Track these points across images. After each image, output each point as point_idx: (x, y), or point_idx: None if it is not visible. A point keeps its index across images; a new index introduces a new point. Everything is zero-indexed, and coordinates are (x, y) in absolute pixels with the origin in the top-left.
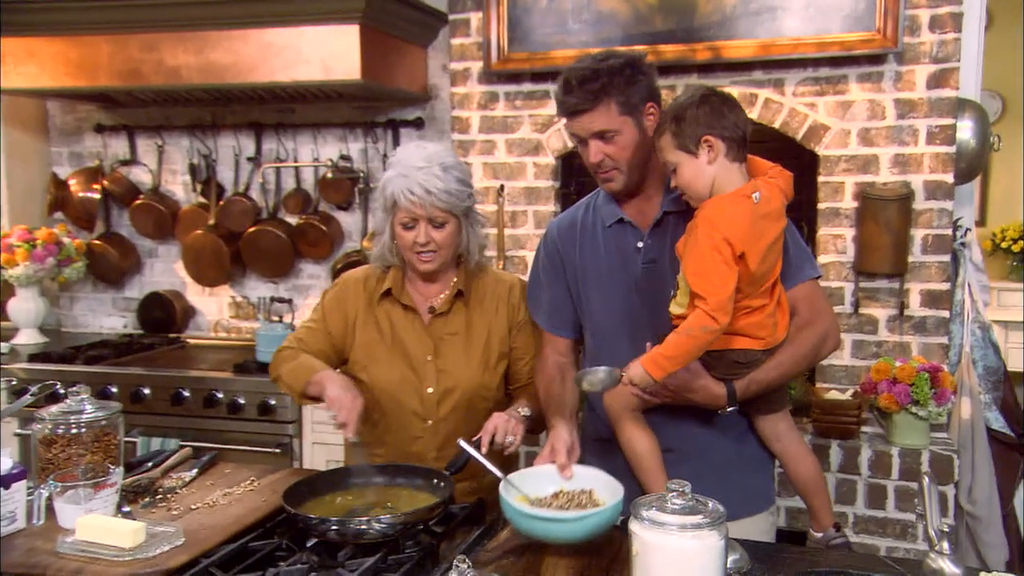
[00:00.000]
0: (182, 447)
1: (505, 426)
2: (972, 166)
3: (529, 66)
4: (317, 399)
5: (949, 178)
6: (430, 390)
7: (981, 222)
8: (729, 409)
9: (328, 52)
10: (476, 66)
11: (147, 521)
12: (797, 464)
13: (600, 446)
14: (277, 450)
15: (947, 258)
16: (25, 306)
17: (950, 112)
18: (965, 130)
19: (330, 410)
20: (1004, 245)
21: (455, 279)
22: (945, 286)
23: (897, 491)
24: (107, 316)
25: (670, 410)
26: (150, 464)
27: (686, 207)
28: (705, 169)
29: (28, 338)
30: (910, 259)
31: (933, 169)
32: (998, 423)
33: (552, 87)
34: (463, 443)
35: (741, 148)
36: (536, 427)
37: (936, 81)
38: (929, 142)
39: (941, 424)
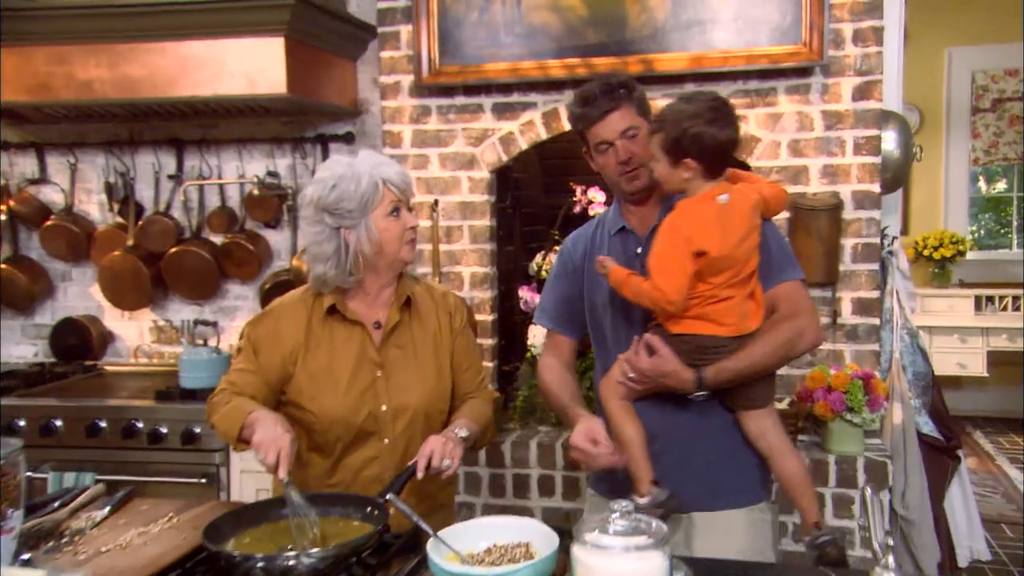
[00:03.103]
0: (98, 482)
1: (442, 449)
2: (897, 176)
3: (461, 79)
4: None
5: (876, 188)
6: (384, 408)
7: (904, 231)
8: (699, 394)
9: (252, 65)
10: (407, 79)
11: (48, 568)
12: (782, 461)
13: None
14: (203, 480)
15: (876, 266)
16: None
17: (875, 123)
18: (889, 141)
19: (257, 455)
20: (926, 253)
21: (397, 290)
22: (875, 294)
23: (835, 498)
24: (15, 344)
25: (657, 401)
26: (57, 504)
27: None
28: (679, 180)
29: None
30: (841, 268)
31: (860, 179)
32: (928, 427)
33: (486, 100)
34: (392, 497)
35: (721, 166)
36: (475, 446)
37: (861, 93)
38: (856, 153)
39: (875, 431)
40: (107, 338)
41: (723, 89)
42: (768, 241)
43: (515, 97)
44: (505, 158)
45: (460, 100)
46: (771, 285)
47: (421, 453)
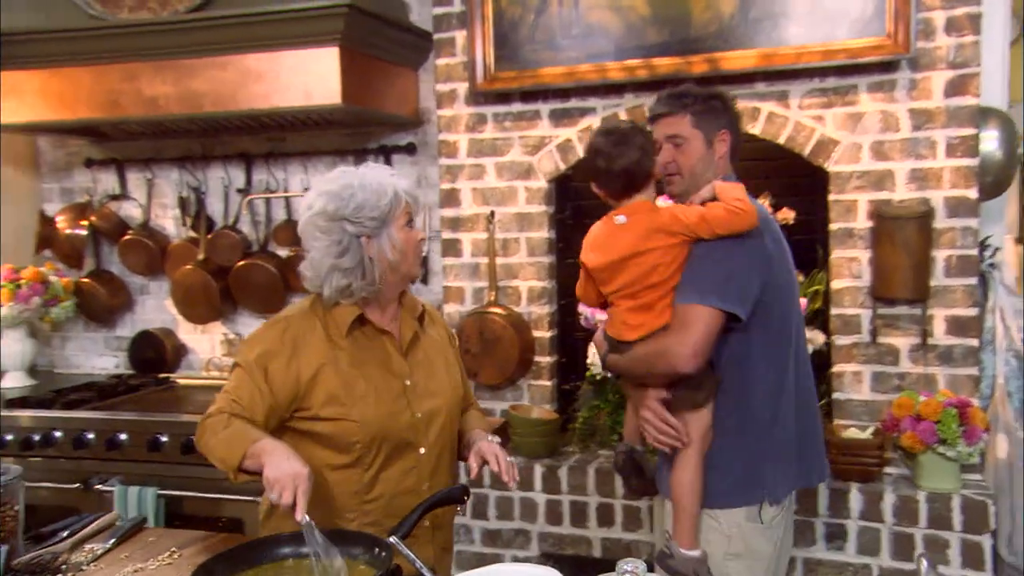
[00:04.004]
0: (160, 497)
1: (500, 450)
2: (1000, 180)
3: (518, 84)
4: (255, 473)
5: (973, 193)
6: (419, 415)
7: (1021, 239)
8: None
9: (308, 77)
10: (463, 87)
11: None
12: (672, 470)
13: None
14: (259, 499)
15: (974, 281)
16: (11, 348)
17: (971, 121)
18: (990, 141)
19: (270, 493)
20: None
21: (404, 303)
22: (973, 312)
23: (926, 541)
24: (99, 356)
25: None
26: (65, 533)
27: None
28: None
29: (15, 381)
30: (932, 283)
31: (955, 184)
32: None
33: (542, 106)
34: (395, 540)
35: (622, 190)
36: None
37: (954, 88)
38: (949, 155)
39: (974, 465)
40: (181, 351)
41: (797, 88)
42: (693, 262)
43: (573, 102)
44: (563, 167)
45: (516, 107)
46: (674, 303)
47: (484, 456)
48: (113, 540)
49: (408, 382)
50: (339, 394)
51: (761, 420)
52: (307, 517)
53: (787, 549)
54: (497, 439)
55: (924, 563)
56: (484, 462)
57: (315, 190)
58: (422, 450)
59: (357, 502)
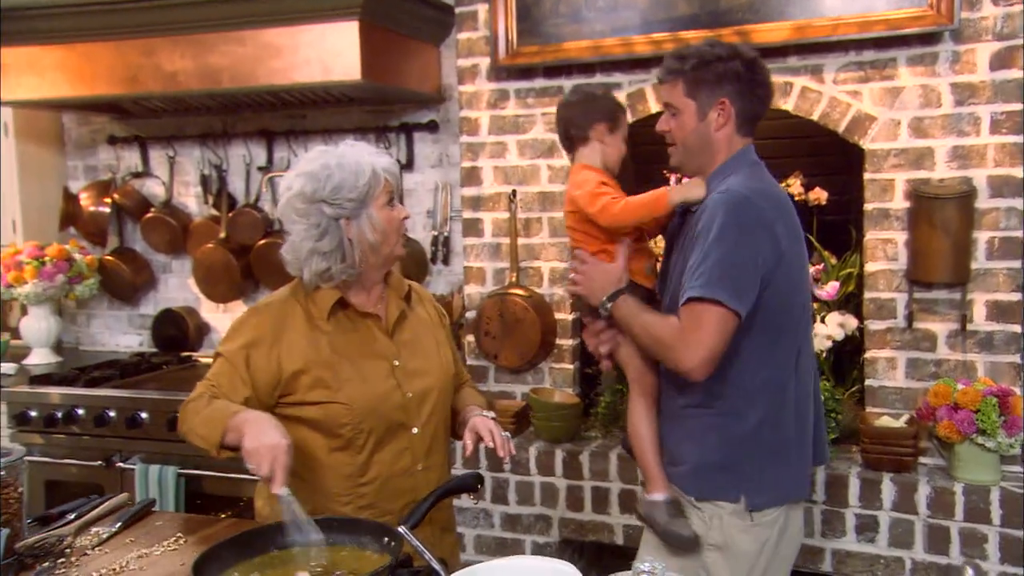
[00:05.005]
0: (180, 476)
1: (493, 425)
2: None
3: (540, 59)
4: (237, 448)
5: (1019, 172)
6: (409, 395)
7: None
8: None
9: (326, 51)
10: (484, 62)
11: None
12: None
13: None
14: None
15: (1018, 264)
16: (37, 324)
17: (1018, 96)
18: None
19: (248, 465)
20: None
21: (391, 284)
22: (1016, 296)
23: (962, 535)
24: (123, 334)
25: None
26: (73, 515)
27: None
28: None
29: (40, 358)
30: (973, 266)
31: (999, 162)
32: None
33: (566, 82)
34: (404, 530)
35: (568, 141)
36: None
37: (1001, 61)
38: (994, 131)
39: (1014, 456)
40: (204, 329)
41: (832, 61)
42: (708, 250)
43: (598, 78)
44: None
45: (540, 83)
46: (685, 294)
47: (478, 431)
48: (119, 524)
49: (396, 362)
50: (325, 378)
51: (746, 415)
52: (286, 489)
53: (784, 557)
54: (491, 414)
55: (970, 572)
56: (479, 438)
57: (294, 171)
58: (414, 430)
59: (351, 485)
